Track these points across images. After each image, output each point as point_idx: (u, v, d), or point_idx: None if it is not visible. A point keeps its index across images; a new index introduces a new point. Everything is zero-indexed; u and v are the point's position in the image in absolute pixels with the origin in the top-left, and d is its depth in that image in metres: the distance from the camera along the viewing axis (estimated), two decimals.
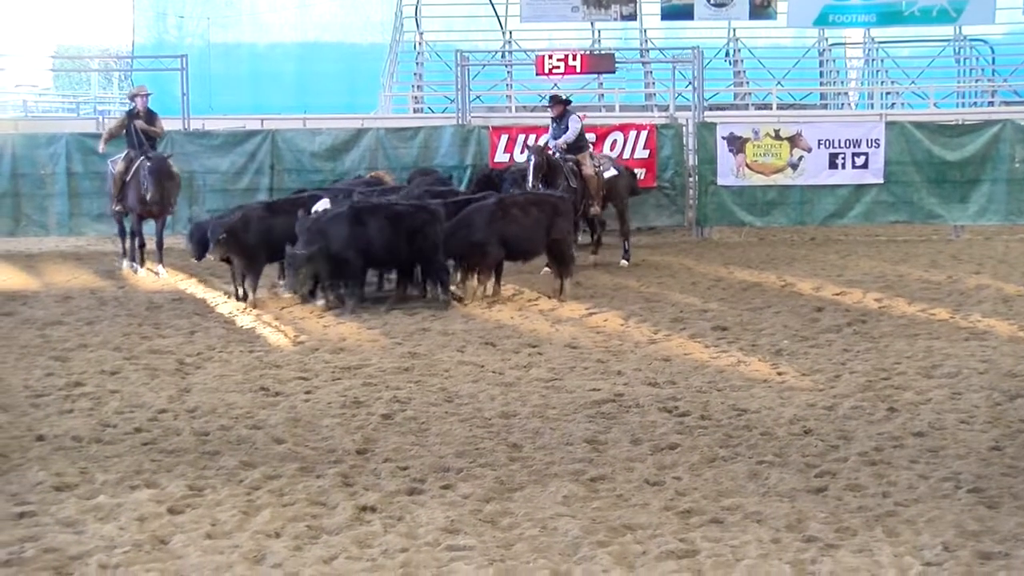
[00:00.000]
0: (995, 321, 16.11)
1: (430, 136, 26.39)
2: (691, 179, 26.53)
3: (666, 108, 30.01)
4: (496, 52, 36.37)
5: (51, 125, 30.59)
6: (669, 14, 36.83)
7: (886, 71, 37.98)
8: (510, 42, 37.63)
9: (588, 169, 21.72)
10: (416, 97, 36.55)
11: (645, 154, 25.76)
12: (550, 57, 27.08)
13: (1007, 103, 34.45)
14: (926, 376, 12.93)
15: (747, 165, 26.19)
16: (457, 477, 9.41)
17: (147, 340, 15.23)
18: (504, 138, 26.14)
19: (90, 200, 25.73)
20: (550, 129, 22.47)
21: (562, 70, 26.96)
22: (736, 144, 26.19)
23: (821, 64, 39.20)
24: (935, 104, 34.25)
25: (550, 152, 21.53)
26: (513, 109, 33.87)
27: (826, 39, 38.86)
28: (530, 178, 20.84)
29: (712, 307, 17.42)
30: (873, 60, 38.54)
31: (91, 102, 43.35)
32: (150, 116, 21.84)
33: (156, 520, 8.29)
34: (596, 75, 32.94)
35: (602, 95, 35.55)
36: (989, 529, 8.08)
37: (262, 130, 26.76)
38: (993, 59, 37.73)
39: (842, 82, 39.96)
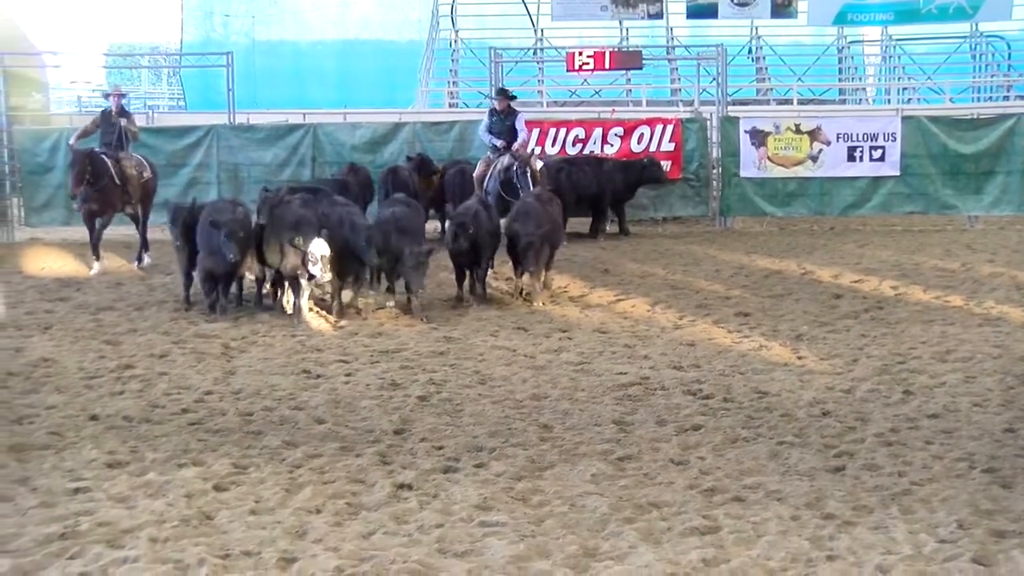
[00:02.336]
0: (1008, 308, 16.02)
1: (465, 129, 26.40)
2: (715, 171, 26.49)
3: (691, 103, 29.97)
4: (528, 49, 36.33)
5: None
6: (694, 13, 36.79)
7: (903, 67, 37.84)
8: (541, 40, 37.63)
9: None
10: (451, 92, 36.53)
11: (671, 147, 25.74)
12: (580, 54, 27.10)
13: (1022, 97, 34.22)
14: (941, 360, 12.88)
15: (769, 158, 26.13)
16: (490, 456, 9.42)
17: (194, 325, 15.28)
18: (536, 131, 26.13)
19: None
20: (488, 122, 22.54)
21: (591, 66, 26.98)
22: (758, 138, 26.14)
23: (840, 61, 39.10)
24: (951, 99, 34.04)
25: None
26: (544, 104, 33.79)
27: (845, 37, 38.76)
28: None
29: (735, 294, 17.38)
30: (890, 57, 38.37)
31: (141, 97, 43.43)
32: (124, 115, 21.36)
33: (202, 496, 8.32)
34: (624, 71, 32.81)
35: (630, 90, 35.51)
36: (1003, 508, 8.04)
37: (304, 124, 26.79)
38: (1009, 55, 37.42)
39: (860, 78, 39.77)
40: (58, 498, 8.28)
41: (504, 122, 22.08)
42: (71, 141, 21.34)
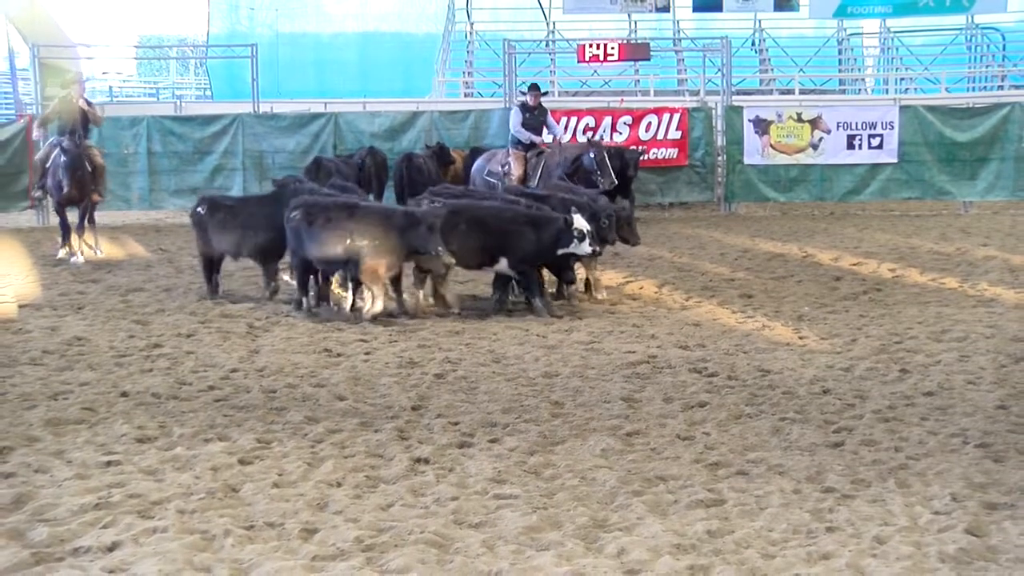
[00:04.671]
0: (1001, 289, 16.00)
1: (480, 118, 26.46)
2: (720, 158, 26.55)
3: (697, 93, 30.08)
4: (541, 41, 36.34)
5: (133, 109, 30.73)
6: (700, 6, 36.84)
7: (900, 58, 37.76)
8: (553, 32, 37.60)
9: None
10: (467, 82, 36.56)
11: (677, 135, 25.74)
12: (591, 46, 27.21)
13: (1016, 87, 34.16)
14: (936, 340, 12.85)
15: (771, 145, 26.13)
16: (503, 432, 9.41)
17: (219, 305, 15.28)
18: None
19: (168, 177, 26.07)
20: (521, 118, 21.89)
21: (601, 58, 26.96)
22: (761, 126, 26.16)
23: (840, 52, 39.07)
24: (947, 89, 34.05)
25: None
26: (556, 94, 33.78)
27: (845, 29, 38.74)
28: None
29: (739, 276, 17.36)
30: (888, 48, 38.30)
31: (170, 87, 43.55)
32: (86, 103, 20.39)
33: (228, 470, 8.32)
34: (633, 62, 32.80)
35: (638, 81, 35.52)
36: (995, 481, 8.02)
37: (326, 113, 26.83)
38: (1004, 45, 37.35)
39: (859, 69, 39.69)
40: (91, 471, 8.29)
41: (538, 118, 21.66)
42: (35, 132, 20.54)
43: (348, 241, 13.97)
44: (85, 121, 20.03)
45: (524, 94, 23.22)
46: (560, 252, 14.44)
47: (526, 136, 21.64)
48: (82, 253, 19.48)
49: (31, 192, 20.48)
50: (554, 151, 21.71)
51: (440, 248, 13.88)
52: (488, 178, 21.45)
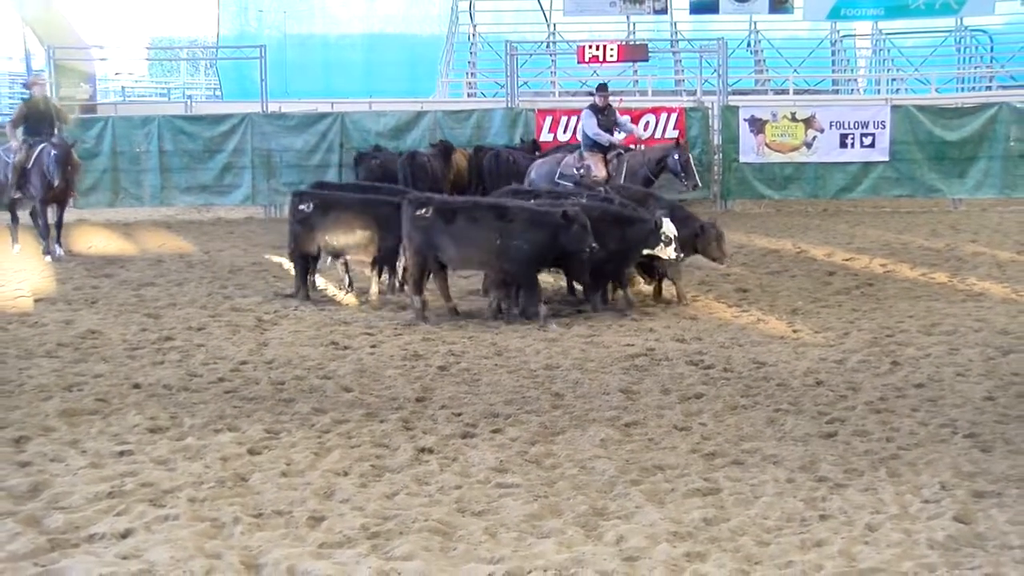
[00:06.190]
0: (989, 284, 16.00)
1: (482, 118, 26.51)
2: (716, 156, 26.55)
3: (694, 93, 29.99)
4: (542, 43, 36.28)
5: (145, 108, 30.80)
6: (697, 8, 36.82)
7: (892, 59, 37.77)
8: (554, 33, 37.52)
9: None
10: (470, 83, 36.53)
11: (675, 134, 25.68)
12: (590, 47, 27.28)
13: (1004, 87, 34.14)
14: (926, 333, 12.85)
15: (766, 144, 26.13)
16: (505, 422, 9.42)
17: (229, 300, 15.29)
18: (548, 119, 26.26)
19: (179, 175, 26.09)
20: (596, 120, 20.83)
21: (600, 58, 26.98)
22: (757, 125, 26.15)
23: (833, 53, 39.00)
24: (937, 89, 34.00)
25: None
26: (557, 94, 33.85)
27: (838, 31, 38.68)
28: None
29: (735, 271, 17.35)
30: (880, 50, 38.32)
31: (180, 88, 43.52)
32: (47, 103, 20.21)
33: (237, 460, 8.33)
34: (631, 63, 32.77)
35: (636, 81, 35.47)
36: (983, 471, 8.03)
37: (332, 112, 26.87)
38: (992, 47, 37.36)
39: (852, 70, 39.66)
40: (105, 460, 8.31)
41: (609, 118, 21.03)
42: (14, 141, 19.61)
43: (497, 242, 13.59)
44: (52, 120, 19.90)
45: (592, 95, 22.23)
46: (645, 252, 14.27)
47: (606, 139, 20.74)
48: (60, 247, 19.61)
49: (10, 193, 19.71)
50: (635, 152, 21.24)
51: (594, 246, 13.43)
52: (561, 181, 20.66)
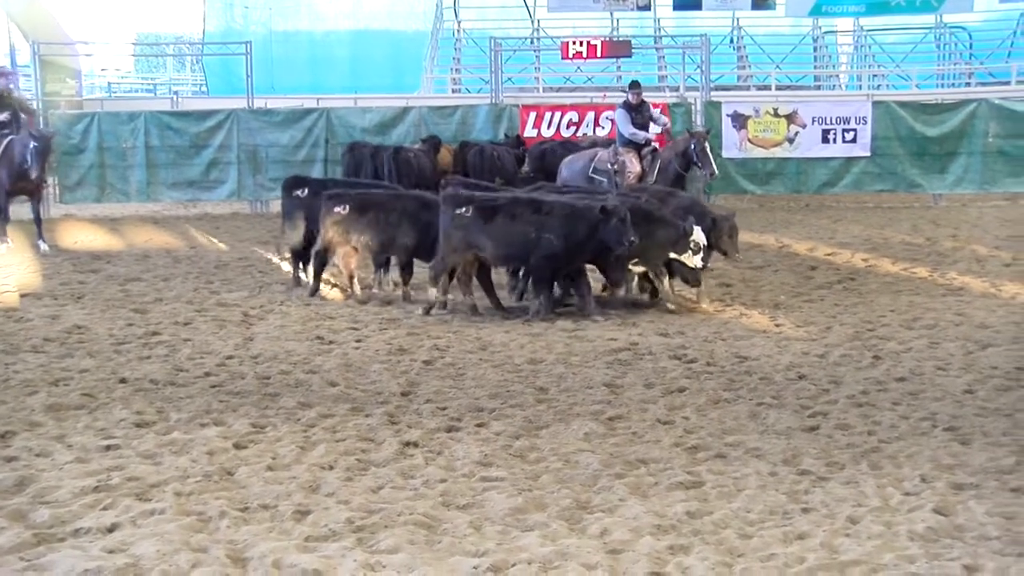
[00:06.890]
0: (969, 279, 16.05)
1: (467, 113, 26.48)
2: None
3: (677, 89, 30.04)
4: (526, 39, 36.31)
5: (131, 104, 30.71)
6: (680, 5, 36.72)
7: (873, 56, 37.78)
8: (538, 30, 37.56)
9: None
10: (455, 79, 36.51)
11: (658, 130, 25.68)
12: (574, 43, 27.23)
13: (983, 84, 34.25)
14: (907, 328, 12.88)
15: (749, 140, 26.18)
16: (490, 416, 9.41)
17: (215, 295, 15.27)
18: (532, 115, 26.24)
19: (166, 170, 26.03)
20: (630, 118, 20.76)
21: (584, 55, 26.99)
22: (739, 121, 26.20)
23: (815, 50, 39.05)
24: (917, 85, 34.14)
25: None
26: (541, 90, 33.82)
27: (820, 27, 38.72)
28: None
29: (717, 266, 17.22)
30: (861, 46, 38.33)
31: (167, 84, 43.35)
32: (9, 95, 20.16)
33: (223, 454, 8.31)
34: (614, 59, 32.74)
35: (620, 77, 35.36)
36: (962, 463, 8.06)
37: (318, 108, 26.79)
38: (971, 44, 37.49)
39: (834, 66, 39.69)
40: (91, 454, 8.28)
41: (643, 114, 20.87)
42: None
43: (533, 236, 13.47)
44: (17, 113, 19.80)
45: (626, 92, 21.93)
46: (672, 257, 14.16)
47: (642, 137, 20.70)
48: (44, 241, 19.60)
49: None
50: (667, 146, 20.98)
51: (633, 239, 13.30)
52: (595, 176, 20.57)
